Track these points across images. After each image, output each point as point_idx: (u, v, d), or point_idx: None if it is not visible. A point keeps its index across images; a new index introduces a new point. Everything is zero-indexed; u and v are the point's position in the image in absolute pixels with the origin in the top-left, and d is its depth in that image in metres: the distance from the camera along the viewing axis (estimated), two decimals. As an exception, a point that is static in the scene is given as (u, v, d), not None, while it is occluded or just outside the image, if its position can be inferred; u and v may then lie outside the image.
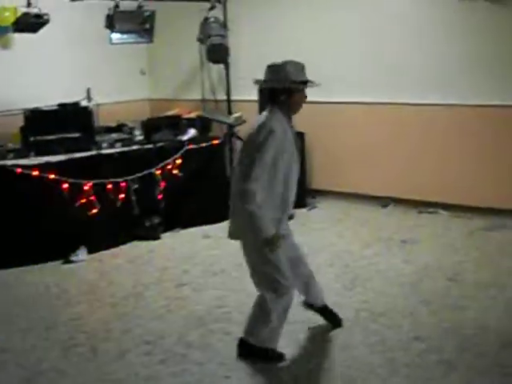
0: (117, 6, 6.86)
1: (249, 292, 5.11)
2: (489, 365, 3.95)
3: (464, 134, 6.89)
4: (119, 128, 7.13)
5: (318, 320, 4.53)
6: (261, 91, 3.82)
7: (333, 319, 4.49)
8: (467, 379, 3.82)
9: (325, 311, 4.48)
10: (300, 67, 3.93)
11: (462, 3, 6.65)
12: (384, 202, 7.34)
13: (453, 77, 6.78)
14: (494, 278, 5.29)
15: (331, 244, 6.24)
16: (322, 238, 6.43)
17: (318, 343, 4.30)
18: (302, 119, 7.38)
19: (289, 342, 4.28)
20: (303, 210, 7.37)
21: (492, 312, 4.66)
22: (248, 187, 3.76)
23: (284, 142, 3.84)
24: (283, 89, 3.85)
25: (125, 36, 7.30)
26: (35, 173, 5.83)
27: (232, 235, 4.14)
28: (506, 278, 5.27)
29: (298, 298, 4.32)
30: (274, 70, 3.92)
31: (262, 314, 4.00)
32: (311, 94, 7.89)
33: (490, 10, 6.54)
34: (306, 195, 7.61)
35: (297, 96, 3.90)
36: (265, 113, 3.92)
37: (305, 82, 3.91)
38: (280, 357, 4.06)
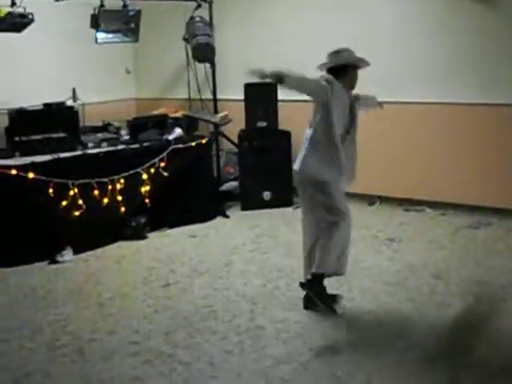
0: (102, 6, 6.85)
1: (235, 291, 5.17)
2: (474, 360, 3.98)
3: (450, 132, 6.93)
4: (105, 128, 7.10)
5: (302, 320, 4.56)
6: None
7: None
8: (452, 375, 3.84)
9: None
10: (351, 51, 4.71)
11: (449, 2, 6.70)
12: (370, 200, 7.37)
13: (441, 75, 6.82)
14: (479, 276, 5.33)
15: (317, 242, 6.25)
16: (308, 237, 6.44)
17: (303, 342, 4.30)
18: (288, 118, 7.51)
19: (273, 341, 4.30)
20: (289, 209, 7.39)
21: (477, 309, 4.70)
22: None
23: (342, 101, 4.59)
24: (341, 66, 4.63)
25: (110, 35, 7.29)
26: (20, 173, 5.80)
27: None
28: (490, 276, 5.31)
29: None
30: (333, 54, 4.69)
31: (325, 247, 4.53)
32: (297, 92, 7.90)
33: (477, 9, 6.59)
34: (292, 194, 7.62)
35: (351, 73, 4.66)
36: None
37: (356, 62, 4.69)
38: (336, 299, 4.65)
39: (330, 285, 4.79)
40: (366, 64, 4.72)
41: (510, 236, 6.29)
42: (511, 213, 6.69)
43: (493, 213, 6.77)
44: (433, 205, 7.06)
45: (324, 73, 4.69)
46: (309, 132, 4.74)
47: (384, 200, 7.37)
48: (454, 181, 6.97)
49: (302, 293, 4.85)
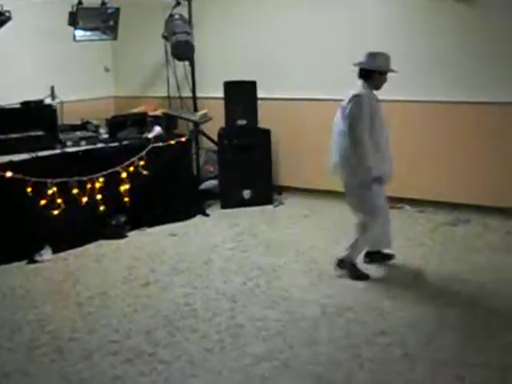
0: (80, 3, 6.82)
1: (215, 289, 5.17)
2: (452, 357, 4.02)
3: (429, 130, 6.98)
4: (84, 126, 7.05)
5: (282, 317, 4.57)
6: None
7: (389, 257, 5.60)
8: (431, 372, 3.88)
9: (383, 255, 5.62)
10: (388, 57, 5.17)
11: (431, 2, 6.74)
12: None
13: (422, 74, 6.84)
14: (457, 273, 5.38)
15: (297, 240, 6.28)
16: (288, 235, 6.46)
17: (283, 339, 4.31)
18: (267, 116, 7.52)
19: (253, 339, 4.31)
20: (269, 207, 7.40)
21: (453, 306, 4.74)
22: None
23: (372, 107, 5.12)
24: (375, 70, 5.13)
25: (88, 33, 7.25)
26: (-2, 172, 5.76)
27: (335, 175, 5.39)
28: (469, 273, 5.36)
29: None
30: (369, 55, 5.15)
31: (362, 234, 5.25)
32: (276, 90, 7.95)
33: (458, 9, 6.64)
34: (272, 192, 7.64)
35: (379, 78, 5.17)
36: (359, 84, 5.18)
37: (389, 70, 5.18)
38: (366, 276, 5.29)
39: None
40: (394, 72, 5.17)
41: (488, 232, 6.35)
42: (489, 210, 6.76)
43: (471, 210, 6.82)
44: (412, 202, 7.10)
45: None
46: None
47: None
48: (433, 178, 7.02)
49: (282, 291, 4.93)
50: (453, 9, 6.66)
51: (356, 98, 5.05)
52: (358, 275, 5.27)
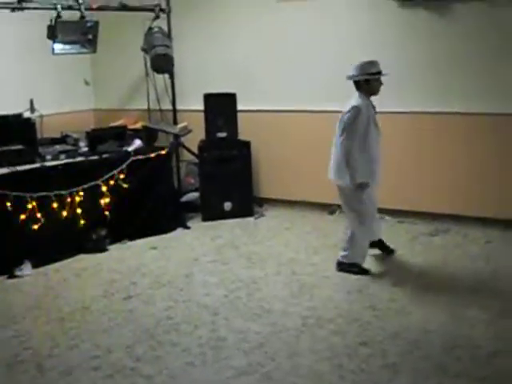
0: (59, 17, 6.78)
1: (196, 302, 5.16)
2: (432, 367, 4.04)
3: (406, 141, 7.03)
4: (63, 139, 7.03)
5: (263, 330, 4.58)
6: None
7: (386, 249, 6.03)
8: (413, 382, 3.90)
9: (380, 244, 6.02)
10: (373, 63, 5.44)
11: (402, 10, 6.81)
12: (330, 209, 7.42)
13: (395, 84, 6.86)
14: (437, 283, 5.42)
15: (279, 252, 6.29)
16: (269, 247, 6.47)
17: (264, 352, 4.31)
18: (247, 127, 7.55)
19: (235, 352, 4.31)
20: (250, 219, 7.41)
21: (435, 316, 4.77)
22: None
23: (368, 116, 5.40)
24: (363, 79, 5.41)
25: (67, 46, 7.21)
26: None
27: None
28: (448, 283, 5.40)
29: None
30: (356, 66, 5.43)
31: (350, 238, 5.58)
32: (256, 102, 7.97)
33: (429, 18, 6.72)
34: (252, 204, 7.65)
35: (364, 86, 5.44)
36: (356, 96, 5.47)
37: (376, 73, 5.44)
38: (366, 271, 5.60)
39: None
40: (374, 75, 5.41)
41: (467, 242, 6.39)
42: (468, 219, 6.80)
43: (450, 219, 6.88)
44: (392, 212, 7.14)
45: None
46: None
47: (344, 208, 7.42)
48: (413, 189, 7.07)
49: (263, 303, 4.96)
50: (423, 17, 6.76)
51: (353, 110, 5.35)
52: (358, 271, 5.61)
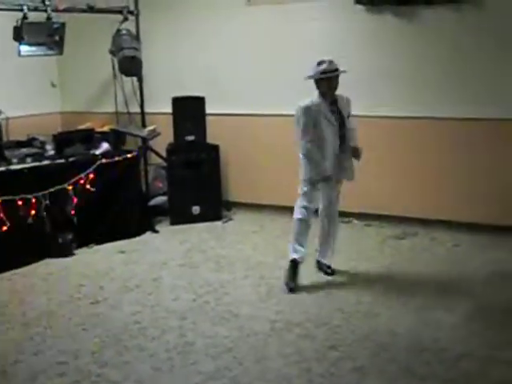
0: (25, 18, 6.70)
1: (164, 307, 5.12)
2: (400, 370, 4.06)
3: (374, 145, 7.05)
4: (30, 142, 6.93)
5: (231, 334, 4.56)
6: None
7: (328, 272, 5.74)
8: (381, 385, 3.92)
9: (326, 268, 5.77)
10: (322, 62, 5.27)
11: (370, 15, 6.86)
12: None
13: (370, 89, 6.91)
14: (404, 285, 5.45)
15: (246, 256, 6.27)
16: (237, 251, 6.45)
17: (232, 357, 4.29)
18: (216, 131, 7.52)
19: (203, 357, 4.29)
20: (218, 223, 7.38)
21: (402, 318, 4.79)
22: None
23: (319, 114, 5.32)
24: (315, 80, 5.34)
25: (34, 48, 7.12)
26: None
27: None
28: (416, 286, 5.44)
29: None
30: (313, 66, 5.32)
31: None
32: (224, 106, 7.93)
33: (397, 23, 6.78)
34: (221, 208, 7.63)
35: (320, 83, 5.32)
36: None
37: (324, 72, 5.26)
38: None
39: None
40: (327, 74, 5.25)
41: (435, 245, 6.45)
42: (436, 223, 6.86)
43: (418, 223, 6.92)
44: (359, 216, 7.17)
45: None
46: None
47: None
48: (380, 192, 7.10)
49: (231, 307, 4.97)
50: (393, 23, 6.82)
51: (296, 109, 5.38)
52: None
